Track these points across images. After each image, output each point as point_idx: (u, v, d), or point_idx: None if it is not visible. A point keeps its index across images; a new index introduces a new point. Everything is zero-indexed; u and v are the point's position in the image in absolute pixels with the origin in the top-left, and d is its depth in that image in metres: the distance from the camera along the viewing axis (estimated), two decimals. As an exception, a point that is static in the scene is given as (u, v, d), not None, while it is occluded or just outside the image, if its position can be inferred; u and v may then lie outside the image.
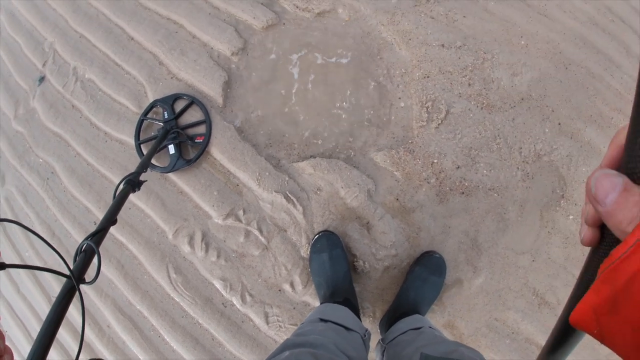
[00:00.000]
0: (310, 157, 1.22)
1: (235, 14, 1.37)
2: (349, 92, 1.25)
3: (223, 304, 1.22)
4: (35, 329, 1.46)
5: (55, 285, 1.44)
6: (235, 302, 1.21)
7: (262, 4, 1.35)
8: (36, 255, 1.47)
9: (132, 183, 0.87)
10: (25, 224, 0.53)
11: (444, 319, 1.13)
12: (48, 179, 1.46)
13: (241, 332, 1.20)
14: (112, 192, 1.41)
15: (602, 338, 0.24)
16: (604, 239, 0.27)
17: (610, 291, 0.23)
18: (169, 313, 1.25)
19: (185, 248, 1.25)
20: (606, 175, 0.24)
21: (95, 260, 0.61)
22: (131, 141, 1.34)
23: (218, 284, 1.22)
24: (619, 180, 0.24)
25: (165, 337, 1.25)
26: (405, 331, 0.86)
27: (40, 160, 1.49)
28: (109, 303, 1.32)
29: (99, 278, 0.58)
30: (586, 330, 0.25)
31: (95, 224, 1.37)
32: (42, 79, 1.56)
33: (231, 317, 1.21)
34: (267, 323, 1.18)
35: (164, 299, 1.26)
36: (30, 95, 1.57)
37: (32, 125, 1.53)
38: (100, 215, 1.37)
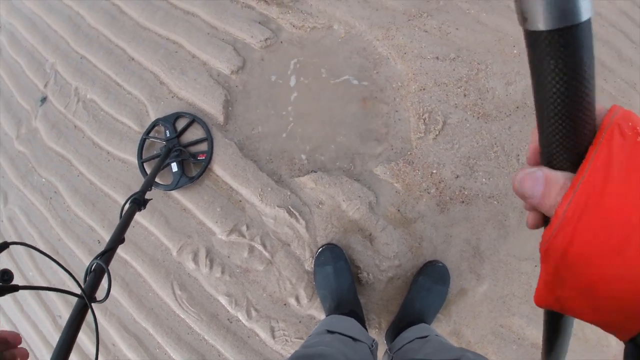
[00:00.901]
0: (312, 171, 1.24)
1: (233, 32, 1.39)
2: (347, 107, 1.28)
3: (229, 319, 1.22)
4: (40, 349, 1.45)
5: (60, 305, 1.44)
6: (240, 318, 1.21)
7: (259, 22, 1.38)
8: (40, 275, 1.47)
9: (138, 202, 0.88)
10: (29, 244, 0.54)
11: (450, 327, 1.13)
12: (51, 198, 1.47)
13: (247, 348, 1.20)
14: (116, 211, 1.41)
15: (565, 310, 0.27)
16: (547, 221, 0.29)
17: (552, 267, 0.25)
18: (174, 330, 1.25)
19: (190, 265, 1.25)
20: (527, 174, 0.27)
21: (104, 280, 0.62)
22: (134, 160, 1.36)
23: (223, 300, 1.22)
24: (540, 173, 0.26)
25: (171, 355, 1.25)
26: (412, 340, 0.86)
27: (43, 180, 1.50)
28: (114, 321, 1.32)
29: (104, 297, 0.59)
30: (550, 307, 0.28)
31: (99, 243, 1.38)
32: (44, 99, 1.58)
33: (237, 332, 1.21)
34: (274, 338, 1.18)
35: (169, 316, 1.27)
36: (32, 115, 1.59)
37: (35, 145, 1.55)
38: (104, 233, 1.37)
